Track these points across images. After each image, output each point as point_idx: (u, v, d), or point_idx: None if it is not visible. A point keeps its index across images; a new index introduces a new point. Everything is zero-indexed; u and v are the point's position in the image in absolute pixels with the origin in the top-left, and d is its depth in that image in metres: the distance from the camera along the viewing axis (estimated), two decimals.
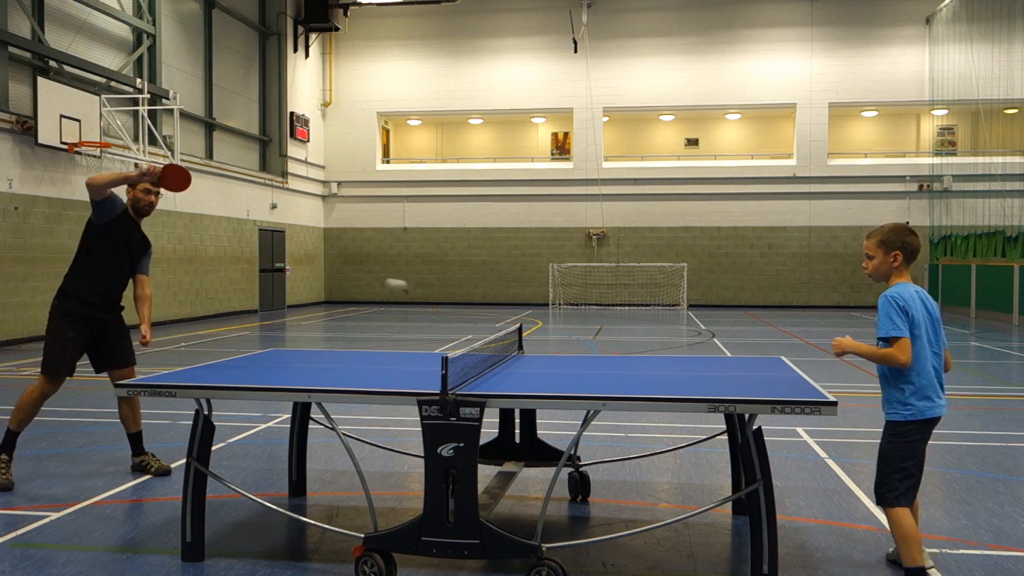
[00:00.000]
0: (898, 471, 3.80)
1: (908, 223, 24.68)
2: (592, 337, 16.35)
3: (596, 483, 5.57)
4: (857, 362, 12.05)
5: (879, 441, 3.95)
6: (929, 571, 3.96)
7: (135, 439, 5.95)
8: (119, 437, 7.02)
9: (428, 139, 29.84)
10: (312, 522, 4.72)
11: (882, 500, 3.86)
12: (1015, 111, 25.14)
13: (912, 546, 3.75)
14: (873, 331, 4.02)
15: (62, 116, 14.97)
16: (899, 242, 3.93)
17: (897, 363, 3.78)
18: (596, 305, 26.24)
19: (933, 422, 3.89)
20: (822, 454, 6.52)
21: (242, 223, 22.43)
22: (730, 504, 4.98)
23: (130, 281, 5.90)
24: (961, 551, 4.38)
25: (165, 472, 5.87)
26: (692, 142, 28.14)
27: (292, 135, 25.09)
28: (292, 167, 25.28)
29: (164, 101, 18.32)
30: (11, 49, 14.76)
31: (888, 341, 3.79)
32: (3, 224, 14.27)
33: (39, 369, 5.67)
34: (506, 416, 5.20)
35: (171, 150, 18.10)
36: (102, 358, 5.84)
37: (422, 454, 3.88)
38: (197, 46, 21.08)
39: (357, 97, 27.51)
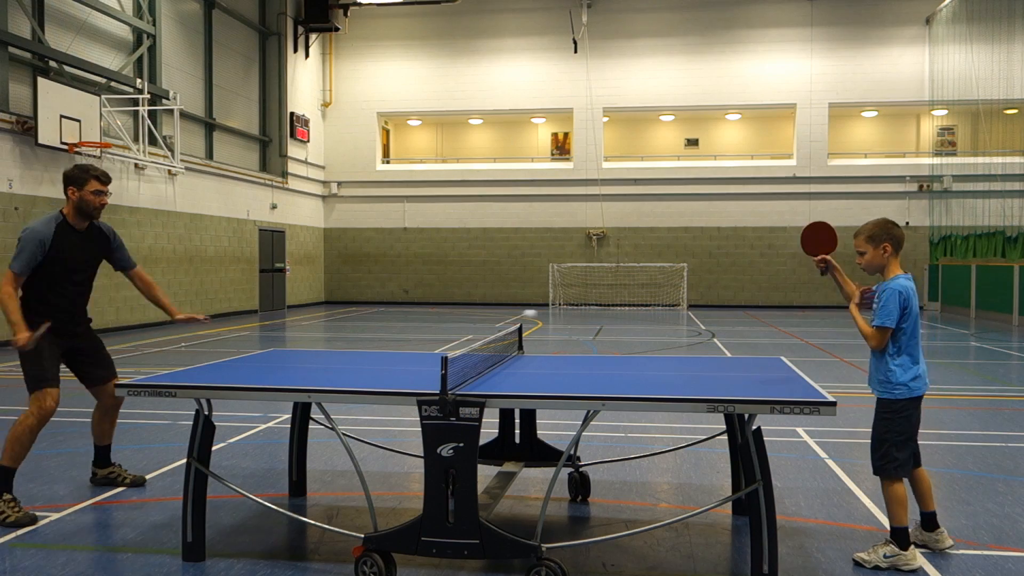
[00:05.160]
0: (895, 445, 4.18)
1: (908, 223, 24.80)
2: (592, 337, 16.35)
3: (596, 483, 5.56)
4: (859, 362, 12.05)
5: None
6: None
7: (104, 451, 5.58)
8: (120, 437, 7.03)
9: (428, 139, 29.84)
10: (312, 522, 4.73)
11: (880, 471, 4.22)
12: (1015, 111, 25.13)
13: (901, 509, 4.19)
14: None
15: (62, 116, 14.96)
16: (886, 235, 4.28)
17: (872, 346, 4.23)
18: (596, 305, 26.23)
19: (921, 398, 4.29)
20: (822, 454, 6.52)
21: (242, 223, 22.43)
22: (730, 504, 4.98)
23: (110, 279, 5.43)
24: (961, 551, 4.38)
25: (140, 483, 5.58)
26: (692, 142, 28.14)
27: (292, 135, 25.10)
28: (292, 167, 25.28)
29: (164, 101, 18.33)
30: (11, 49, 14.75)
31: (877, 328, 4.18)
32: (3, 224, 14.27)
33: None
34: (506, 416, 5.20)
35: (171, 150, 18.12)
36: (83, 374, 5.42)
37: (422, 454, 3.88)
38: (197, 46, 21.08)
39: (357, 97, 27.51)
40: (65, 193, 5.20)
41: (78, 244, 5.21)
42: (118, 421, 5.76)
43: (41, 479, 5.73)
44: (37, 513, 4.93)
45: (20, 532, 4.64)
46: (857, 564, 4.17)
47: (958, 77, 24.13)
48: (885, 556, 4.12)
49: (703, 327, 18.70)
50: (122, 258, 5.52)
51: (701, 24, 26.01)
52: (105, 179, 5.24)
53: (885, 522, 4.83)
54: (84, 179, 5.12)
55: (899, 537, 4.14)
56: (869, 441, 4.31)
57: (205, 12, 21.36)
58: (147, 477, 5.77)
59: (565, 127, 28.10)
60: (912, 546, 4.17)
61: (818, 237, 4.59)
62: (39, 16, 15.58)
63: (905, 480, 4.27)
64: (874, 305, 4.28)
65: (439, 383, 3.83)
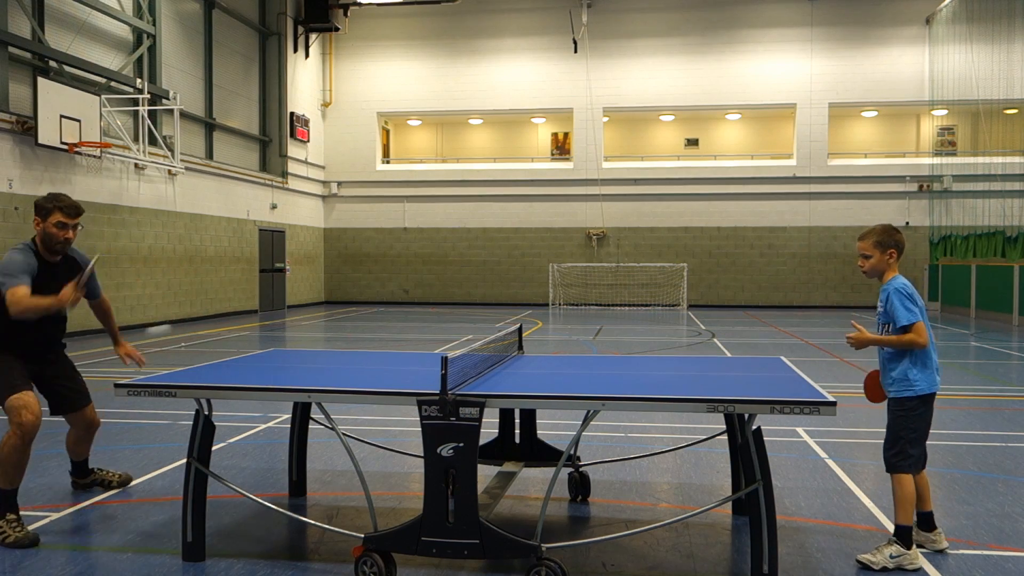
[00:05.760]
0: (911, 442, 4.24)
1: (908, 223, 24.81)
2: (592, 337, 16.34)
3: (596, 483, 5.56)
4: (858, 361, 12.04)
5: (882, 436, 4.09)
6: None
7: (82, 464, 5.43)
8: (119, 437, 7.03)
9: (428, 139, 29.84)
10: (312, 522, 4.73)
11: (893, 467, 4.25)
12: (1015, 111, 25.13)
13: (909, 507, 4.23)
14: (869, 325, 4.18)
15: (62, 116, 14.96)
16: (892, 241, 4.41)
17: (919, 346, 4.21)
18: (596, 305, 26.23)
19: (935, 395, 4.31)
20: (822, 454, 6.52)
21: (242, 223, 22.43)
22: (730, 504, 4.98)
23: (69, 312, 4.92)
24: (961, 551, 4.38)
25: (127, 481, 5.53)
26: (692, 142, 28.13)
27: (292, 135, 25.09)
28: (292, 167, 25.27)
29: (164, 101, 18.32)
30: (11, 49, 14.75)
31: (907, 328, 4.20)
32: (3, 224, 14.27)
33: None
34: (506, 416, 5.20)
35: (171, 150, 18.12)
36: (55, 400, 5.14)
37: (422, 454, 3.88)
38: (197, 46, 21.07)
39: (357, 97, 27.51)
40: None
41: (48, 276, 4.86)
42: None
43: (41, 479, 5.72)
44: (37, 513, 4.93)
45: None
46: (863, 566, 4.14)
47: (958, 77, 24.12)
48: (891, 556, 4.12)
49: (703, 327, 18.70)
50: (93, 287, 5.22)
51: (701, 24, 26.01)
52: (72, 212, 4.81)
53: (885, 522, 4.85)
54: (48, 210, 4.76)
55: (903, 536, 4.15)
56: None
57: (205, 12, 21.35)
58: (147, 477, 5.78)
59: (565, 127, 28.10)
60: (915, 545, 4.18)
61: (874, 388, 4.47)
62: (39, 16, 15.58)
63: None
64: (879, 308, 4.34)
65: (439, 383, 3.83)
